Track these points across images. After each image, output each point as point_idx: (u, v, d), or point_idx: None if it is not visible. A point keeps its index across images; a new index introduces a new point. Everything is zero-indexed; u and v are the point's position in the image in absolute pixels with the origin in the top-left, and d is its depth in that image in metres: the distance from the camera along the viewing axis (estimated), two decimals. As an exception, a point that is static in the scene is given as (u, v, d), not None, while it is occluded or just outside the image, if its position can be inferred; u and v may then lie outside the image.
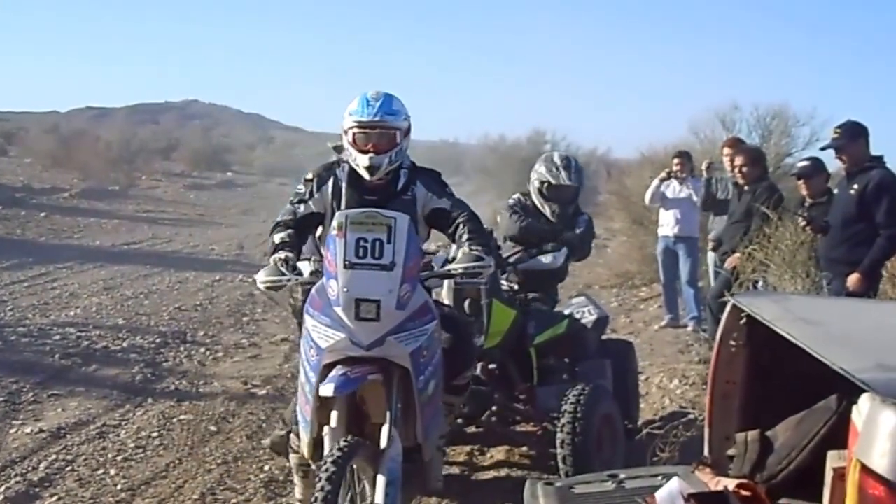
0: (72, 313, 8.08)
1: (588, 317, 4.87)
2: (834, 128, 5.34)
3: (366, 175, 3.48)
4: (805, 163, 6.18)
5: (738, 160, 6.61)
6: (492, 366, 4.55)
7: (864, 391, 1.73)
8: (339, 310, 3.04)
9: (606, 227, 14.06)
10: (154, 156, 30.38)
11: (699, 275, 8.42)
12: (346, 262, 3.04)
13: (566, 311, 4.88)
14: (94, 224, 15.06)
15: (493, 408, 4.65)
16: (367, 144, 3.44)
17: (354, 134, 3.47)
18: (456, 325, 3.71)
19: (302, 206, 3.55)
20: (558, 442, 4.07)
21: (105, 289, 9.45)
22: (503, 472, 4.74)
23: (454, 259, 3.34)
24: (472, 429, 4.75)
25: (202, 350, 7.20)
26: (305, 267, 3.29)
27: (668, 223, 8.37)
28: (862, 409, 1.77)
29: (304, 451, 3.28)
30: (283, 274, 3.20)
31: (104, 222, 15.42)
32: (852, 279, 5.02)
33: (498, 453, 4.94)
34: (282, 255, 3.28)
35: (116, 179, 21.30)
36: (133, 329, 7.63)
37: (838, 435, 2.08)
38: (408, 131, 3.54)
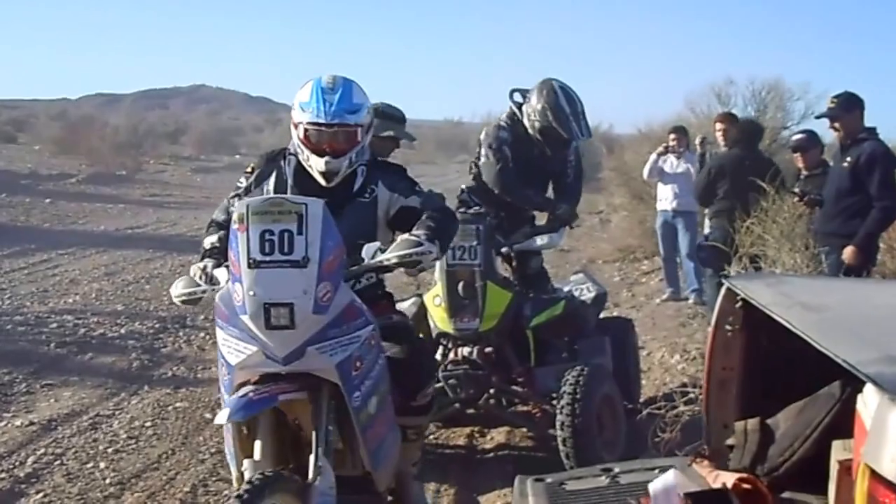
0: (70, 300, 7.99)
1: (587, 294, 4.79)
2: (831, 97, 5.34)
3: (321, 181, 2.98)
4: (800, 136, 6.31)
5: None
6: (488, 349, 4.42)
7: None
8: (246, 318, 2.54)
9: (608, 202, 14.18)
10: (162, 140, 30.22)
11: (698, 248, 8.43)
12: (251, 261, 2.53)
13: (565, 289, 4.76)
14: (99, 209, 14.95)
15: (491, 391, 4.52)
16: (323, 145, 2.93)
17: (307, 131, 2.94)
18: (409, 336, 3.22)
19: (236, 202, 2.89)
20: (558, 424, 4.01)
21: (106, 274, 9.35)
22: (503, 454, 4.67)
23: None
24: (472, 411, 4.64)
25: (202, 334, 7.07)
26: (223, 274, 2.79)
27: (666, 198, 8.48)
28: (868, 399, 1.61)
29: (234, 485, 2.74)
30: (198, 285, 2.78)
31: (109, 207, 15.32)
32: (847, 252, 5.01)
33: (498, 435, 4.89)
34: (201, 263, 2.88)
35: (124, 164, 21.15)
36: (132, 315, 7.53)
37: (842, 424, 1.93)
38: (370, 125, 3.06)
